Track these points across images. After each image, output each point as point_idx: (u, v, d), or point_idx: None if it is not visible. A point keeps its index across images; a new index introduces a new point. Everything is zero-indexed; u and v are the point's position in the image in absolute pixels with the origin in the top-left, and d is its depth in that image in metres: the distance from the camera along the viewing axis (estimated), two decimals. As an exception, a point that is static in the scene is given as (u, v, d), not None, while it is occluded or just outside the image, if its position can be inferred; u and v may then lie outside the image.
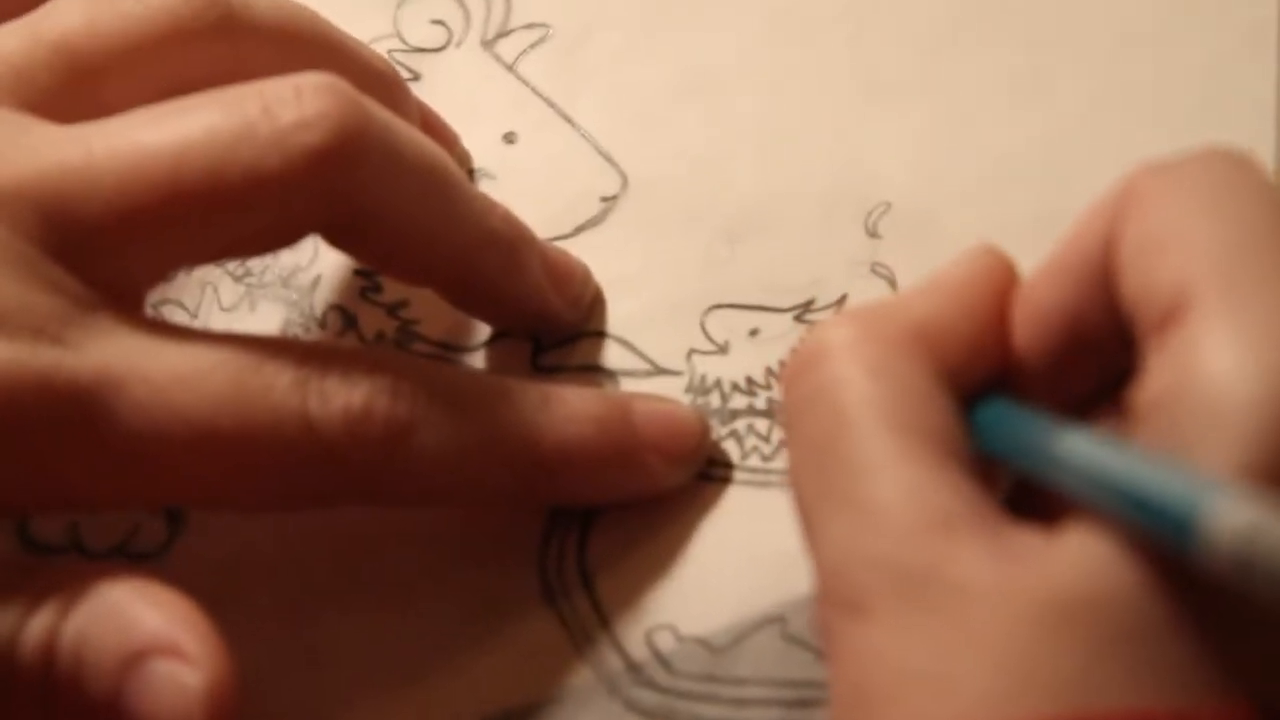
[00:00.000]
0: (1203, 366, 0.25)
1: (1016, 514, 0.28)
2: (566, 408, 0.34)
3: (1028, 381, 0.30)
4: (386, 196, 0.33)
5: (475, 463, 0.33)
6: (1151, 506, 0.24)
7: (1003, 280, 0.30)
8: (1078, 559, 0.25)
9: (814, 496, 0.29)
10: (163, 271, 0.33)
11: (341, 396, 0.31)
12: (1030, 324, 0.29)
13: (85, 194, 0.31)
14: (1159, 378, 0.26)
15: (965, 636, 0.26)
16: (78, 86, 0.33)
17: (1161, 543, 0.24)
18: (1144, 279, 0.27)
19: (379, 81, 0.36)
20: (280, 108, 0.31)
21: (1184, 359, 0.25)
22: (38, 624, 0.29)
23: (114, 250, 0.31)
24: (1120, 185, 0.28)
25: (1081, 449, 0.26)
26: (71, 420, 0.30)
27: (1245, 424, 0.24)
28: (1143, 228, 0.27)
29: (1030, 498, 0.29)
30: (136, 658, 0.29)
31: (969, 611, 0.26)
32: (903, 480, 0.27)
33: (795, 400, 0.29)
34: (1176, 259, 0.26)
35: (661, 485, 0.35)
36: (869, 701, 0.26)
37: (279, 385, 0.31)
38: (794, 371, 0.30)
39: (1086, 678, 0.25)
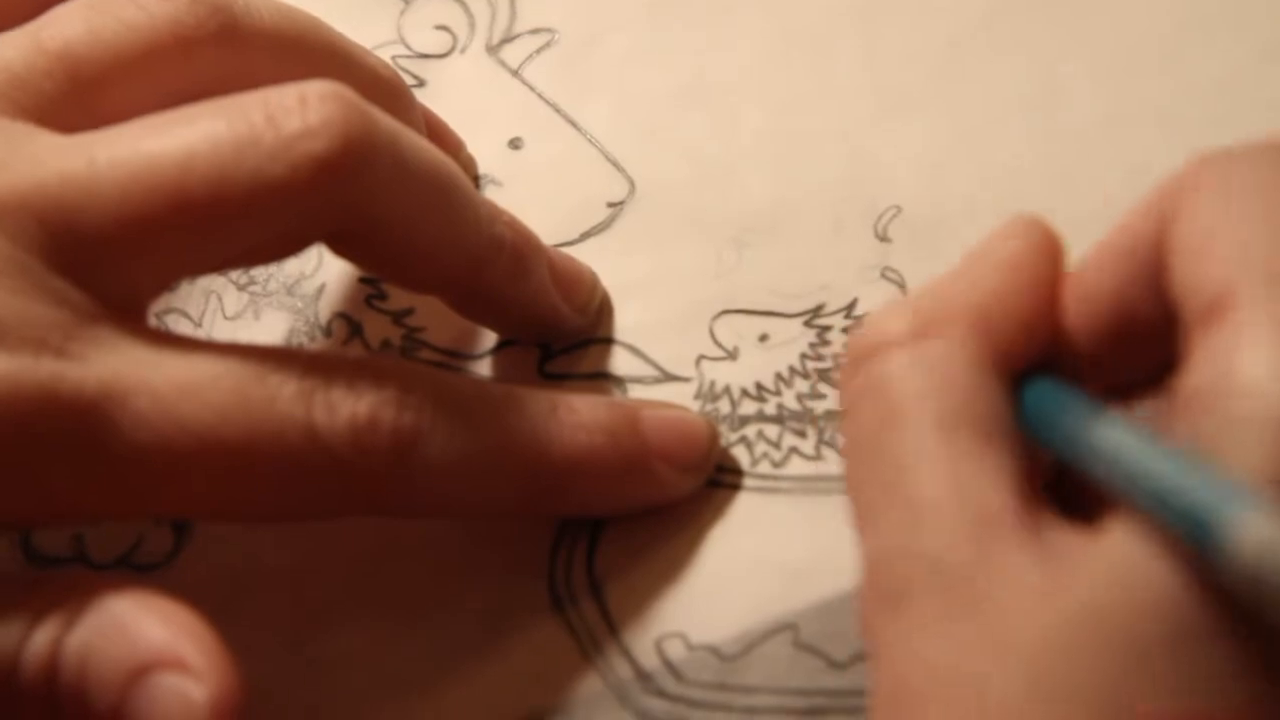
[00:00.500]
0: (1238, 368, 0.25)
1: (1063, 496, 0.28)
2: (575, 416, 0.34)
3: (1077, 362, 0.29)
4: (391, 205, 0.32)
5: (482, 473, 0.33)
6: (1174, 508, 0.24)
7: (1054, 256, 0.30)
8: (1117, 562, 0.25)
9: (863, 489, 0.29)
10: (166, 281, 0.33)
11: (347, 406, 0.31)
12: (1081, 306, 0.29)
13: (88, 204, 0.30)
14: (1197, 374, 0.25)
15: (1002, 637, 0.25)
16: (80, 95, 0.32)
17: (1185, 545, 0.24)
18: (1190, 271, 0.26)
19: (384, 88, 0.36)
20: (284, 116, 0.31)
21: (1221, 358, 0.25)
22: (41, 637, 0.29)
23: (117, 261, 0.31)
24: (1175, 173, 0.28)
25: (1116, 439, 0.26)
26: (75, 432, 0.30)
27: (1276, 430, 0.24)
28: (1193, 219, 0.27)
29: (1077, 479, 0.28)
30: (141, 671, 0.28)
31: (1007, 612, 0.26)
32: (948, 477, 0.27)
33: (849, 394, 0.29)
34: (1222, 254, 0.26)
35: (671, 494, 0.35)
36: (905, 699, 0.26)
37: (283, 395, 0.31)
38: (849, 364, 0.30)
39: (1124, 684, 0.24)
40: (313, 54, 0.35)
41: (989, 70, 0.39)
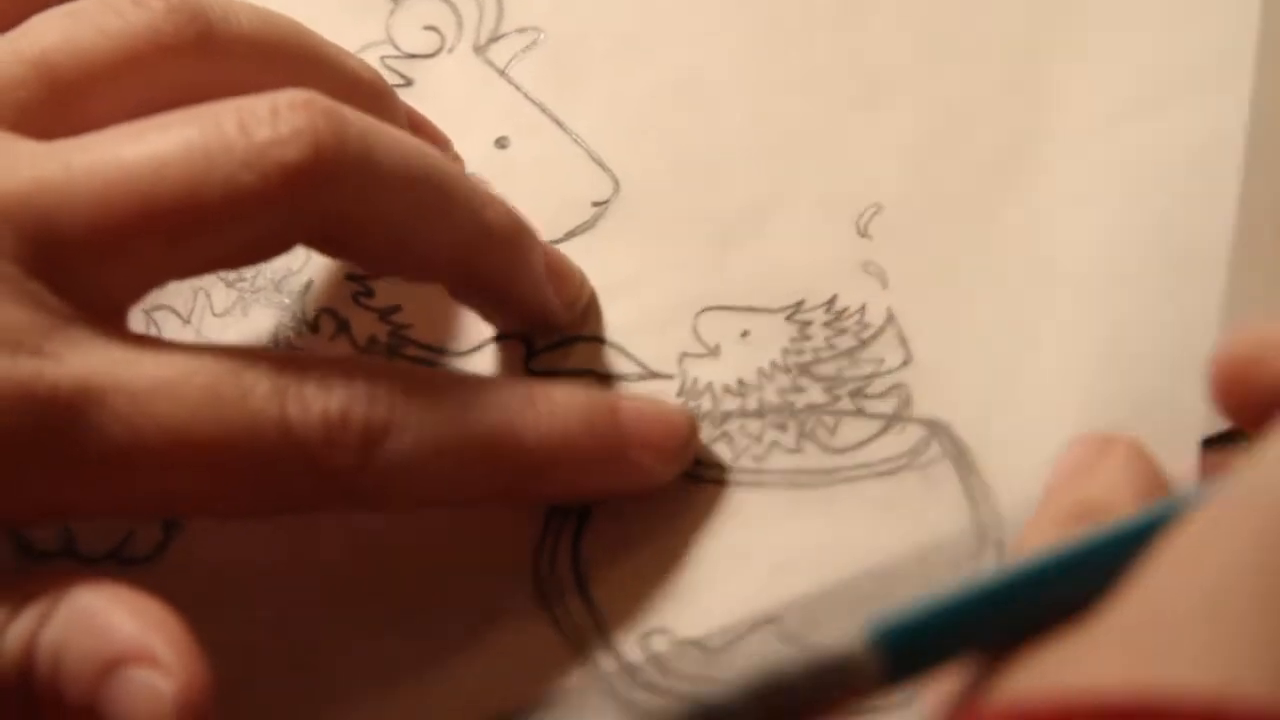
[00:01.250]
0: None
1: None
2: (550, 404, 0.34)
3: None
4: (370, 208, 0.33)
5: (457, 462, 0.33)
6: None
7: None
8: None
9: None
10: (143, 287, 0.33)
11: (319, 402, 0.31)
12: None
13: (64, 211, 0.31)
14: None
15: None
16: (57, 103, 0.33)
17: None
18: None
19: (365, 91, 0.36)
20: (256, 124, 0.31)
21: None
22: (17, 630, 0.30)
23: (93, 266, 0.31)
24: None
25: None
26: (53, 430, 0.30)
27: None
28: None
29: None
30: (112, 665, 0.29)
31: None
32: None
33: None
34: None
35: (650, 482, 0.35)
36: None
37: (257, 392, 0.31)
38: None
39: None
40: (292, 59, 0.35)
41: (969, 63, 0.39)
